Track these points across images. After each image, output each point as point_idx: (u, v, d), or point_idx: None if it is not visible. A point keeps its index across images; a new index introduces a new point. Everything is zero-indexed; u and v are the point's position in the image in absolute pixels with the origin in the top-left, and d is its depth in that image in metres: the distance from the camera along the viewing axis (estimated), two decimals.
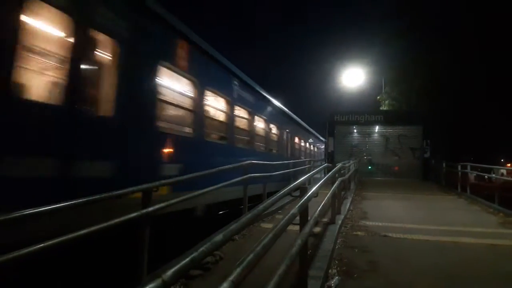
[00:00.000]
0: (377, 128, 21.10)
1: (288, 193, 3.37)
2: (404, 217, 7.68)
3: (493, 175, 11.32)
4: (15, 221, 2.43)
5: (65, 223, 2.96)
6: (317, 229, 5.39)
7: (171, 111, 6.81)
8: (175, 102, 6.80)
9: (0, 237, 2.62)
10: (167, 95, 6.43)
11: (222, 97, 8.91)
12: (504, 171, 17.35)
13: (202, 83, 7.57)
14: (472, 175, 13.51)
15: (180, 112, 7.11)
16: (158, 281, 1.31)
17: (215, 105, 8.64)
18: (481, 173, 12.82)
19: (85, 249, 3.85)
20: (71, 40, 4.33)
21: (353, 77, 26.99)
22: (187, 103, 7.21)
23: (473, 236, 5.91)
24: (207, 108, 7.99)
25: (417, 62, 22.18)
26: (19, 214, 2.49)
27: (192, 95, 7.31)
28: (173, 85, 6.77)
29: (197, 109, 7.42)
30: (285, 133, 15.95)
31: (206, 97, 7.87)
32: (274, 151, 14.06)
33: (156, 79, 6.04)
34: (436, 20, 21.56)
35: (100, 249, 4.24)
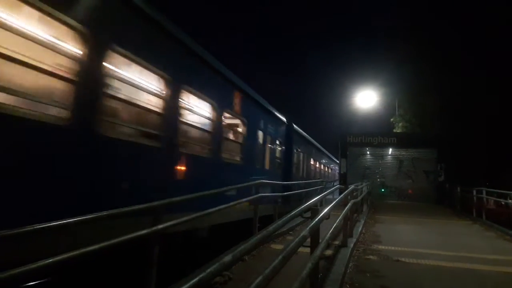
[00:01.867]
0: (390, 150, 20.83)
1: (299, 214, 3.34)
2: (417, 241, 7.51)
3: (510, 201, 11.00)
4: (24, 235, 2.41)
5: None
6: (328, 252, 5.29)
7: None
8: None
9: None
10: None
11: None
12: None
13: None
14: (489, 200, 13.21)
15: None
16: None
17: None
18: (498, 199, 12.50)
19: (92, 268, 3.84)
20: None
21: (366, 98, 26.78)
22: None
23: (488, 263, 5.75)
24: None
25: (429, 86, 22.04)
26: (23, 230, 2.41)
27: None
28: None
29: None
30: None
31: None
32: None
33: None
34: (445, 47, 21.48)
35: (108, 268, 4.22)
